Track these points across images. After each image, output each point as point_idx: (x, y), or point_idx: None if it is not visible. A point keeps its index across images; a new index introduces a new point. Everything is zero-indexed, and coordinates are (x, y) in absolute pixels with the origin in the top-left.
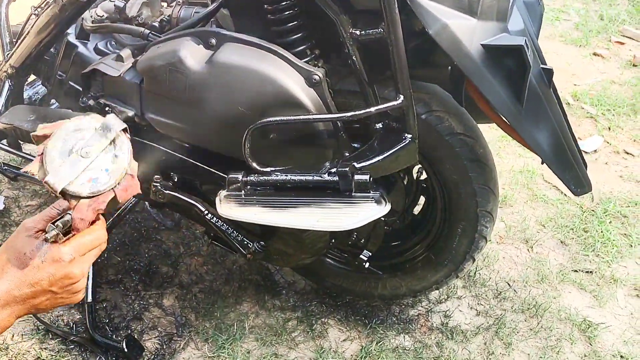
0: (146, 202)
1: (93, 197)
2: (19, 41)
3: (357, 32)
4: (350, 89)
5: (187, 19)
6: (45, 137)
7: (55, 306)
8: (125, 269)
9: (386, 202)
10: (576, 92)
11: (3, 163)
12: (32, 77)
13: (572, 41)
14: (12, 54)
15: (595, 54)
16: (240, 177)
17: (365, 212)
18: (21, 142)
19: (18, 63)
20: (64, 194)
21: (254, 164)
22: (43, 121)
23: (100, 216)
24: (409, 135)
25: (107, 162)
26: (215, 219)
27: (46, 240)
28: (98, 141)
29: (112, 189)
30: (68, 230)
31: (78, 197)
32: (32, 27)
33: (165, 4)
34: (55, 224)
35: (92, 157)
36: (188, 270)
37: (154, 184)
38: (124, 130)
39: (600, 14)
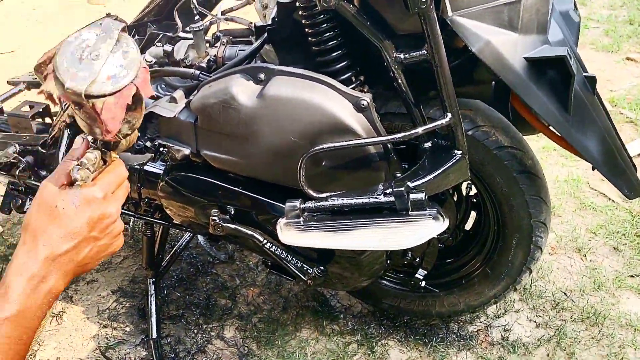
0: (199, 237)
1: (117, 92)
2: None
3: (402, 56)
4: (396, 111)
5: (232, 57)
6: (50, 58)
7: (100, 257)
8: (185, 303)
9: (444, 218)
10: (613, 97)
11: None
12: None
13: (603, 47)
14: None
15: (628, 59)
16: (298, 204)
17: (424, 229)
18: None
19: None
20: (89, 96)
21: (310, 191)
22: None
23: (115, 156)
24: (459, 152)
25: (119, 59)
26: (274, 247)
27: (75, 183)
28: (104, 42)
29: (132, 82)
30: (94, 169)
31: (103, 96)
32: None
33: (208, 45)
34: (82, 164)
35: (103, 57)
36: (246, 301)
37: (212, 217)
38: (124, 29)
39: (629, 18)
